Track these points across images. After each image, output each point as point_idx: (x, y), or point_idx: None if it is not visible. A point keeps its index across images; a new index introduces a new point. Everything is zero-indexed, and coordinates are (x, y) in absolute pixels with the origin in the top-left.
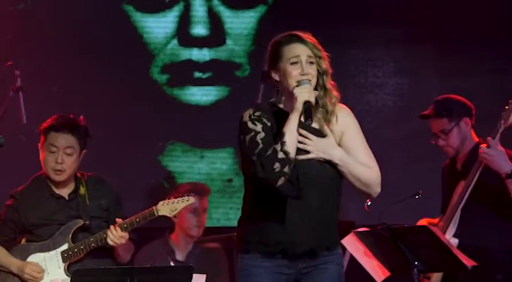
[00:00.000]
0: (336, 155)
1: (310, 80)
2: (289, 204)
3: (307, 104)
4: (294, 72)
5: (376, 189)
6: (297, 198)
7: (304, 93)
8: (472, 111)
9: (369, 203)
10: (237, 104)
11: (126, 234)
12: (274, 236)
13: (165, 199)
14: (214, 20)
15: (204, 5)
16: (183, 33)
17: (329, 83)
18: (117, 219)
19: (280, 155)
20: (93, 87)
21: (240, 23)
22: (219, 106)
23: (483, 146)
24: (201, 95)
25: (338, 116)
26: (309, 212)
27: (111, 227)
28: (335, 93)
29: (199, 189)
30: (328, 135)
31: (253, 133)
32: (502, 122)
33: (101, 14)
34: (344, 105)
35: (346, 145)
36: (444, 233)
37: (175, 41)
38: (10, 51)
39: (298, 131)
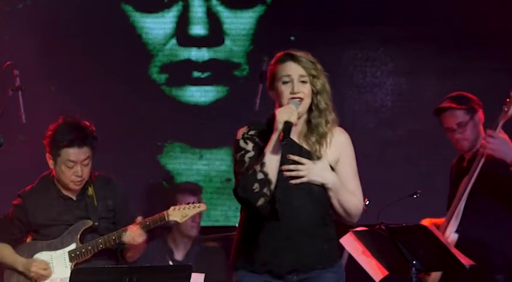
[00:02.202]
0: (329, 179)
1: (301, 99)
2: (276, 225)
3: (287, 124)
4: (285, 92)
5: (355, 219)
6: (275, 219)
7: (285, 113)
8: (483, 108)
9: (367, 203)
10: (236, 103)
11: (144, 234)
12: (260, 256)
13: (176, 204)
14: (213, 19)
15: (202, 5)
16: (181, 33)
17: (324, 103)
18: (137, 218)
19: (260, 176)
20: (91, 87)
21: (239, 23)
22: (218, 106)
23: (486, 136)
24: (200, 94)
25: (335, 139)
26: (296, 232)
27: (131, 226)
28: (331, 115)
29: (193, 189)
30: (322, 158)
31: (243, 152)
32: (503, 114)
33: (100, 13)
34: (342, 129)
35: (339, 171)
36: (446, 227)
37: (174, 41)
38: (9, 51)
39: (288, 156)
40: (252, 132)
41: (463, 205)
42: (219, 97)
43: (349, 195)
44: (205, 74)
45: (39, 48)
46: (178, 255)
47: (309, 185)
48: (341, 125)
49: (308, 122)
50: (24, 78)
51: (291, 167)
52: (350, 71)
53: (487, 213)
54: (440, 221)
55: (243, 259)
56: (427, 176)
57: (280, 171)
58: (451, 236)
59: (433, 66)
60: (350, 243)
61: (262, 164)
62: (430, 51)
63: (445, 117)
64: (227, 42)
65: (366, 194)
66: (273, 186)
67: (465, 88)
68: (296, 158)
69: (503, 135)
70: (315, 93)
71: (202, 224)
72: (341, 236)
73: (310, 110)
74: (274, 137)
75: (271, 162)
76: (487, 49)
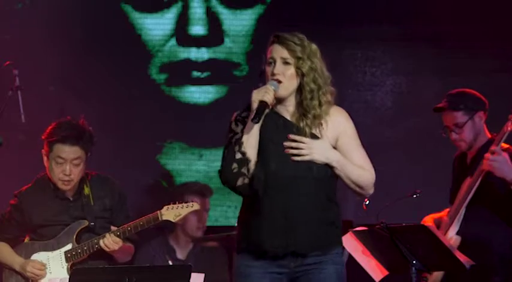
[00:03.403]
0: (332, 157)
1: (280, 81)
2: (270, 205)
3: (261, 103)
4: (268, 74)
5: (370, 190)
6: (258, 198)
7: (259, 93)
8: (486, 106)
9: (367, 203)
10: (235, 103)
11: (119, 240)
12: (257, 237)
13: (169, 203)
14: (212, 19)
15: (202, 4)
16: (181, 33)
17: (313, 85)
18: (111, 227)
19: (238, 156)
20: (91, 86)
21: (239, 23)
22: (218, 105)
23: (487, 155)
24: (200, 94)
25: (332, 119)
26: (291, 213)
27: (106, 234)
28: (325, 96)
29: (202, 190)
30: (323, 138)
31: (232, 134)
32: (510, 123)
33: (99, 13)
34: (339, 108)
35: (342, 148)
36: (448, 229)
37: (173, 41)
38: (8, 51)
39: (289, 136)
40: (244, 114)
41: (464, 209)
42: (219, 97)
43: (358, 169)
44: (205, 74)
45: (38, 48)
46: (180, 254)
47: (308, 164)
48: None
49: (301, 103)
50: (23, 78)
51: (293, 144)
52: (350, 71)
53: (487, 216)
54: (442, 214)
55: (243, 242)
56: (427, 176)
57: (274, 150)
58: (453, 238)
59: (432, 65)
60: (350, 243)
61: (241, 144)
62: (430, 50)
63: (443, 116)
64: (227, 42)
65: None
66: (251, 166)
67: (465, 88)
68: (297, 137)
69: (504, 154)
70: (300, 75)
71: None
72: (341, 236)
73: (301, 92)
74: (251, 117)
75: (249, 142)
76: (487, 49)
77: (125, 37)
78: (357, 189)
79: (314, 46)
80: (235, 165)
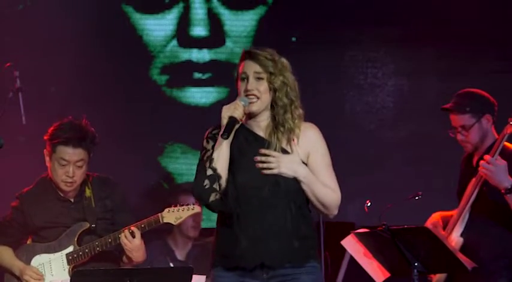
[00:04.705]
0: (300, 172)
1: (255, 97)
2: (240, 218)
3: (230, 119)
4: (241, 89)
5: (334, 211)
6: (231, 213)
7: (229, 109)
8: (495, 107)
9: (369, 205)
10: None
11: (139, 235)
12: (229, 250)
13: (170, 206)
14: (213, 20)
15: (203, 6)
16: (182, 34)
17: (286, 99)
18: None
19: (209, 172)
20: (92, 87)
21: (240, 24)
22: (219, 107)
23: (482, 161)
24: (201, 95)
25: (303, 135)
26: (259, 226)
27: (126, 228)
28: (298, 110)
29: None
30: (293, 152)
31: (204, 151)
32: (509, 127)
33: (100, 14)
34: (311, 124)
35: (311, 166)
36: (451, 231)
37: (174, 42)
38: (9, 52)
39: (260, 150)
40: (215, 131)
41: (469, 211)
42: (220, 98)
43: (323, 187)
44: (206, 75)
45: (39, 49)
46: (180, 255)
47: (275, 178)
48: (342, 126)
49: (274, 118)
50: (24, 80)
51: (262, 158)
52: (351, 72)
53: (491, 218)
54: (452, 212)
55: (217, 255)
56: (429, 178)
57: (244, 164)
58: (455, 239)
59: (434, 67)
60: (351, 244)
61: (211, 160)
62: (431, 52)
63: (451, 116)
64: (228, 43)
65: (367, 196)
66: (222, 181)
67: (465, 88)
68: (266, 151)
69: (501, 162)
70: (273, 90)
71: (203, 225)
72: (343, 238)
73: (273, 106)
74: (221, 133)
75: (219, 158)
76: (488, 50)
77: (126, 38)
78: (321, 207)
79: (285, 61)
80: (206, 181)
